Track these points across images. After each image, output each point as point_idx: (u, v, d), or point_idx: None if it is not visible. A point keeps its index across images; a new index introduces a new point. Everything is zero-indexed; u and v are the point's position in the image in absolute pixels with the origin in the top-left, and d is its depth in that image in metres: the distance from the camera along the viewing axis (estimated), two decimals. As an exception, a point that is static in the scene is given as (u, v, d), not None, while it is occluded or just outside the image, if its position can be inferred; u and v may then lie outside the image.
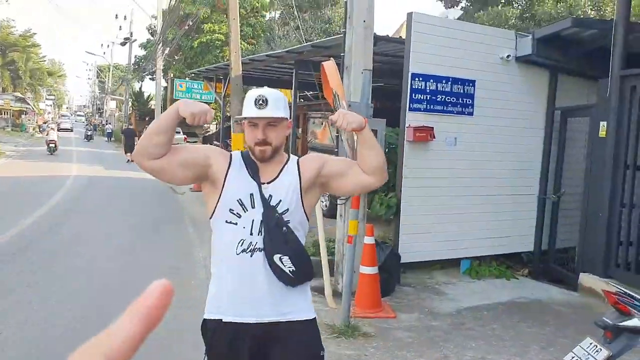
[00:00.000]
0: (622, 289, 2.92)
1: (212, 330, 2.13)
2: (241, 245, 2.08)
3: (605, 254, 6.24)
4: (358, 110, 4.89)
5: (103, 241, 8.25)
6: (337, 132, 10.21)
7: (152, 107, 41.88)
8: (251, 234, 2.07)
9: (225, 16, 33.62)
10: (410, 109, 6.42)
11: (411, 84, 6.37)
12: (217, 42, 32.13)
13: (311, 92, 16.02)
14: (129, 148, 25.48)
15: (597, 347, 2.77)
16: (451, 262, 7.25)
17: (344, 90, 4.46)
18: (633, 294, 2.82)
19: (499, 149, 7.21)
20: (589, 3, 18.43)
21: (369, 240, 5.41)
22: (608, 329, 2.79)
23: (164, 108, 26.94)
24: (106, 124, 50.88)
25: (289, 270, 2.05)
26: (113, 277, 6.29)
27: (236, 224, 2.09)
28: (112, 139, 44.82)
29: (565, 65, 7.19)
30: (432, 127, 6.45)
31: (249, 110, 2.14)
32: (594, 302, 6.16)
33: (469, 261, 7.24)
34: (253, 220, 2.08)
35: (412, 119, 6.44)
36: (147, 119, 38.52)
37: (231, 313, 2.09)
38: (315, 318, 2.20)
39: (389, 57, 8.89)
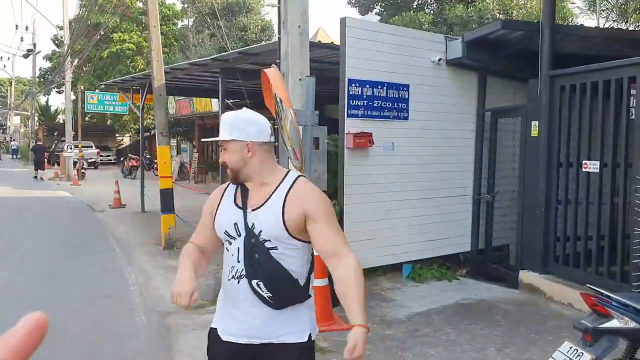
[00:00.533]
0: (600, 290, 2.90)
1: (213, 339, 2.25)
2: (231, 272, 2.16)
3: (544, 250, 6.39)
4: (303, 117, 4.70)
5: (16, 274, 7.54)
6: (276, 139, 9.98)
7: (61, 121, 39.76)
8: (238, 261, 2.14)
9: (135, 25, 32.50)
10: (348, 115, 6.30)
11: (348, 90, 6.25)
12: (127, 51, 30.98)
13: (232, 100, 15.65)
14: (39, 165, 23.99)
15: (577, 351, 2.72)
16: (392, 267, 7.21)
17: (289, 97, 4.24)
18: (611, 295, 2.80)
19: (434, 152, 7.25)
20: (497, 7, 19.26)
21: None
22: (588, 332, 2.75)
23: (74, 122, 25.50)
24: (11, 141, 47.85)
25: (267, 296, 2.09)
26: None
27: (229, 250, 2.19)
28: (18, 156, 42.22)
29: (493, 67, 7.35)
30: (371, 133, 6.37)
31: None
32: (536, 298, 6.29)
33: (410, 265, 7.21)
34: (238, 247, 2.14)
35: (351, 125, 6.32)
36: (55, 133, 36.44)
37: (226, 332, 2.19)
38: (308, 341, 2.16)
39: (317, 64, 8.77)
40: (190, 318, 5.55)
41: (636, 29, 14.34)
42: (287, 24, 5.60)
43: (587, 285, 3.10)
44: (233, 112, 2.23)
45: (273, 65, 4.61)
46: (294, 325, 2.14)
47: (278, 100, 4.31)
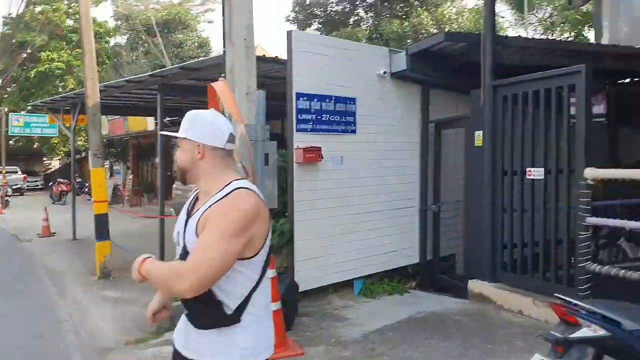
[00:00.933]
0: (569, 299, 2.86)
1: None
2: None
3: (491, 259, 6.44)
4: (254, 133, 4.53)
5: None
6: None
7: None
8: None
9: (64, 43, 31.26)
10: (297, 130, 6.17)
11: (297, 104, 6.13)
12: (57, 71, 29.74)
13: (169, 119, 15.23)
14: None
15: (549, 363, 2.66)
16: (343, 284, 7.08)
17: (239, 112, 4.07)
18: (579, 303, 2.77)
19: (381, 165, 7.23)
20: (431, 22, 19.79)
21: (271, 273, 4.99)
22: (559, 342, 2.70)
23: (-1, 147, 24.12)
24: None
25: (185, 313, 2.07)
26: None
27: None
28: None
29: (436, 79, 7.43)
30: (320, 147, 6.25)
31: None
32: (486, 307, 6.31)
33: (361, 281, 7.11)
34: (177, 257, 2.08)
35: (300, 140, 6.19)
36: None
37: (175, 337, 2.18)
38: None
39: (261, 78, 8.61)
40: (133, 353, 5.20)
41: (564, 39, 15.03)
42: (233, 37, 5.42)
43: (556, 294, 3.07)
44: (197, 111, 2.14)
45: (221, 78, 4.42)
46: (219, 348, 2.00)
47: (227, 115, 4.13)
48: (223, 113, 4.13)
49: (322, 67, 6.45)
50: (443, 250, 7.93)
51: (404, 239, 7.62)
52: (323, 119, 6.42)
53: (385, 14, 21.25)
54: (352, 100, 6.75)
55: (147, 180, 23.56)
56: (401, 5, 20.78)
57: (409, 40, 17.32)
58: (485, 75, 6.30)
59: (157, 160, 13.97)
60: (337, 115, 6.59)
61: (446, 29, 19.76)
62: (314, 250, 6.47)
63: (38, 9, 30.05)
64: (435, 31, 19.84)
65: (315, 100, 6.34)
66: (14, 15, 29.99)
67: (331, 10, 22.57)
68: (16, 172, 30.28)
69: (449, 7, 20.89)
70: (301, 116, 6.19)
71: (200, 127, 2.06)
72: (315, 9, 22.65)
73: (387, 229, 7.34)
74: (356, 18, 22.81)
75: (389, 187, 7.34)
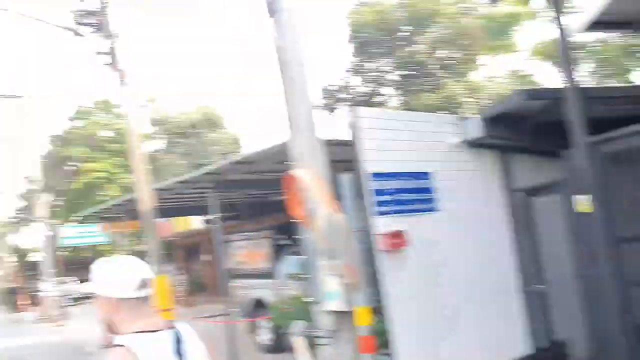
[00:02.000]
0: None
1: None
2: None
3: (626, 343, 5.40)
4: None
5: None
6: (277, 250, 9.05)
7: (34, 259, 38.05)
8: None
9: (103, 153, 31.96)
10: (376, 213, 5.46)
11: (373, 186, 5.48)
12: (98, 180, 30.22)
13: (220, 214, 14.87)
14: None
15: None
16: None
17: (331, 197, 3.44)
18: None
19: (468, 244, 6.39)
20: (462, 92, 19.55)
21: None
22: None
23: (52, 258, 24.13)
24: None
25: None
26: None
27: None
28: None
29: (517, 143, 6.72)
30: (405, 231, 5.53)
31: None
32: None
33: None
34: None
35: (381, 224, 5.46)
36: (30, 273, 34.50)
37: None
38: None
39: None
40: None
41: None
42: (298, 123, 4.92)
43: None
44: (101, 261, 2.13)
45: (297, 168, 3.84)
46: None
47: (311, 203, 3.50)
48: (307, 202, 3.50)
49: (391, 143, 5.84)
50: (556, 334, 6.83)
51: (507, 326, 6.60)
52: (401, 199, 5.74)
53: (412, 89, 21.09)
54: (427, 176, 6.09)
55: (199, 279, 22.97)
56: (429, 79, 20.64)
57: (444, 112, 16.84)
58: (578, 133, 5.55)
59: (205, 257, 13.43)
60: (415, 193, 5.92)
61: (479, 96, 19.48)
62: (419, 353, 5.59)
63: (79, 124, 31.40)
64: (466, 100, 19.56)
65: (391, 179, 5.69)
66: (59, 133, 31.35)
67: (355, 93, 22.66)
68: (76, 281, 29.70)
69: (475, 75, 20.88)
70: (379, 198, 5.52)
71: (103, 279, 2.06)
72: (341, 94, 22.78)
73: (487, 318, 6.37)
74: (382, 98, 22.81)
75: (481, 268, 6.45)
